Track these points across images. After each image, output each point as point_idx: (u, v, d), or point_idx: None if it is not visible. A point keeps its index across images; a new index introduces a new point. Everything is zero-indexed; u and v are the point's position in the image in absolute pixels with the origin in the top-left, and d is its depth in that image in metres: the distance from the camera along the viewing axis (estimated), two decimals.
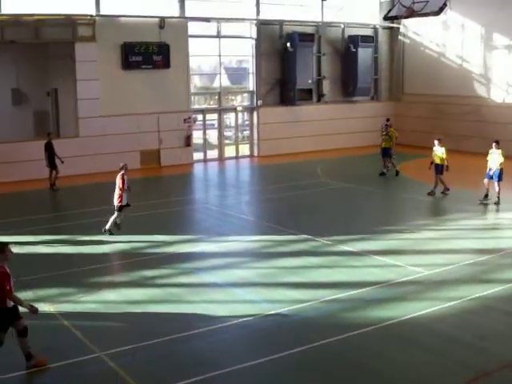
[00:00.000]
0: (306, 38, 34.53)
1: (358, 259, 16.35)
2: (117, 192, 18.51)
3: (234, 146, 34.52)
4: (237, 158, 34.17)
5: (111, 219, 18.46)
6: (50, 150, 25.07)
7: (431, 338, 11.70)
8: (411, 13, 25.89)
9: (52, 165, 25.04)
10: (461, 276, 14.98)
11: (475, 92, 35.10)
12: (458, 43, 35.69)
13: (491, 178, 22.01)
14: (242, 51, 34.69)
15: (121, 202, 18.48)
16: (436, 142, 23.81)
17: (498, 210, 21.69)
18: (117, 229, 18.47)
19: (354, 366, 10.71)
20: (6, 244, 10.45)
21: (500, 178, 21.83)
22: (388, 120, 31.58)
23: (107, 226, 18.42)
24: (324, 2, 35.03)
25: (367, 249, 17.04)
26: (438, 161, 23.55)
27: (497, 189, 21.90)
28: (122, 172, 18.55)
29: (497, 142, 22.16)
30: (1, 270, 10.09)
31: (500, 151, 21.90)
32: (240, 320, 12.34)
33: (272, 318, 12.52)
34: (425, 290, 14.14)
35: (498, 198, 21.92)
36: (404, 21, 36.86)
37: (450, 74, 35.93)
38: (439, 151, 23.54)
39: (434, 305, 13.10)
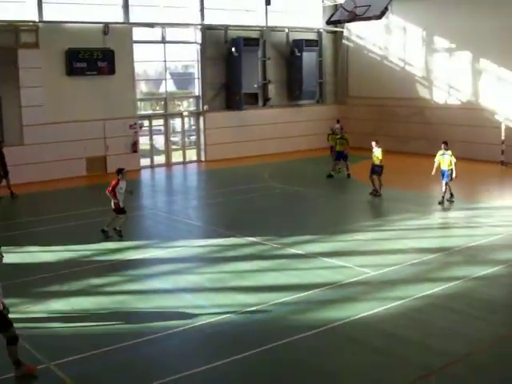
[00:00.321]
0: (251, 42, 34.65)
1: (306, 261, 16.48)
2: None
3: (180, 152, 34.47)
4: (184, 163, 34.11)
5: (113, 222, 18.44)
6: (2, 159, 24.78)
7: (380, 338, 11.90)
8: (353, 17, 26.23)
9: (5, 173, 24.77)
10: (407, 275, 15.25)
11: (418, 94, 35.72)
12: (401, 46, 36.31)
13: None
14: (188, 56, 34.65)
15: (117, 206, 18.35)
16: (374, 143, 24.23)
17: (444, 210, 22.11)
18: (117, 235, 18.49)
19: (304, 367, 10.78)
20: None
21: (450, 179, 22.26)
22: (338, 122, 31.97)
23: (105, 227, 18.41)
24: (268, 6, 35.23)
25: (315, 251, 17.21)
26: (376, 162, 23.98)
27: (443, 188, 22.31)
28: (119, 177, 18.41)
29: (445, 143, 22.54)
30: None
31: (450, 152, 22.31)
32: (190, 325, 12.32)
33: (222, 322, 12.53)
34: (373, 290, 14.33)
35: (443, 197, 22.34)
36: (347, 25, 37.33)
37: (393, 77, 36.50)
38: (377, 152, 23.98)
39: (382, 304, 13.29)
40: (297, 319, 12.75)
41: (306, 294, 13.98)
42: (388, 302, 13.45)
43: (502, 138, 30.84)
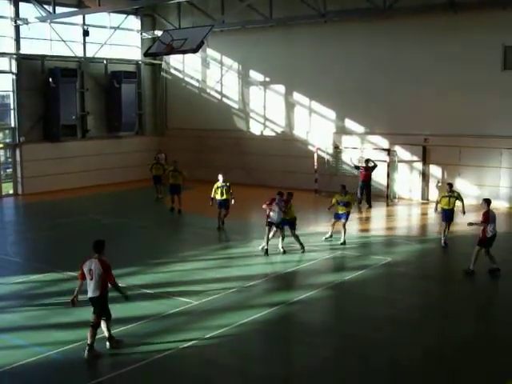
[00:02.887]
0: (69, 73, 34.21)
1: None
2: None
3: None
4: (0, 197, 32.87)
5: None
6: None
7: (203, 368, 12.07)
8: (171, 50, 26.41)
9: None
10: (229, 303, 15.61)
11: (235, 126, 36.73)
12: (218, 79, 37.19)
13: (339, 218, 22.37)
14: (3, 86, 33.49)
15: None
16: (220, 176, 24.27)
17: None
18: None
19: None
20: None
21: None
22: (161, 152, 31.88)
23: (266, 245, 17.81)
24: (86, 37, 34.93)
25: (136, 283, 17.15)
26: (224, 196, 24.07)
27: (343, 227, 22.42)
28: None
29: (344, 187, 22.31)
30: (107, 262, 12.66)
31: (348, 196, 22.35)
32: (8, 367, 11.83)
33: (43, 362, 12.18)
34: (195, 320, 14.53)
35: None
36: (165, 57, 37.84)
37: (211, 109, 37.31)
38: (225, 186, 24.10)
39: (205, 333, 13.50)
40: (117, 354, 12.61)
41: (127, 327, 13.91)
42: (210, 330, 13.68)
43: (315, 167, 32.41)
